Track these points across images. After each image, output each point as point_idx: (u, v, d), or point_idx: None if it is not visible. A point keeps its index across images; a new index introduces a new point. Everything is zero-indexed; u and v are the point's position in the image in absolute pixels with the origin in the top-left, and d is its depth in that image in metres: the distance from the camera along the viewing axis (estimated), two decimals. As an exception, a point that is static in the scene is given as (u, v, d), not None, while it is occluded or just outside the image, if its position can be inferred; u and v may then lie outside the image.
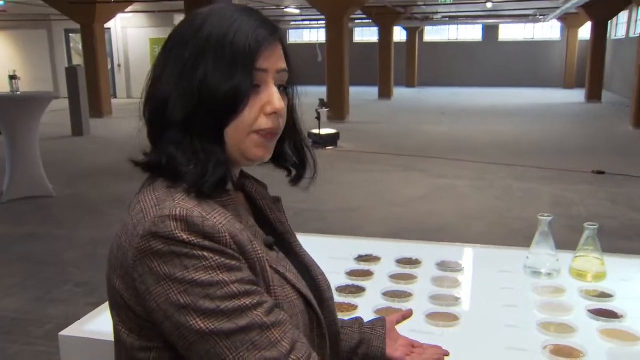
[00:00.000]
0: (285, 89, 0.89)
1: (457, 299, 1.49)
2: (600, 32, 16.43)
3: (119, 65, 18.95)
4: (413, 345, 1.15)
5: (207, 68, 0.82)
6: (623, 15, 18.05)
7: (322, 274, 1.01)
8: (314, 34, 24.64)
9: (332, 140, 8.96)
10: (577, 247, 1.63)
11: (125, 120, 12.90)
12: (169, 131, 0.83)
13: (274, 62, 0.85)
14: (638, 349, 1.23)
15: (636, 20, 15.68)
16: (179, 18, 11.64)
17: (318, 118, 8.74)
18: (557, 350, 1.22)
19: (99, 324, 1.39)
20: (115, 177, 6.93)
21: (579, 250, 1.62)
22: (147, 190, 0.84)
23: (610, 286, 1.54)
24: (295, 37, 25.54)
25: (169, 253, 0.76)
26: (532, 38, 23.52)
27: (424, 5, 16.34)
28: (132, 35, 18.86)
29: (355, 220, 5.20)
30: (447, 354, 1.13)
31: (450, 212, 5.43)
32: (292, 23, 22.73)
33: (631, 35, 16.84)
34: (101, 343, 1.30)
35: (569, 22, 20.52)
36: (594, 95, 16.28)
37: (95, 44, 13.20)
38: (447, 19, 21.50)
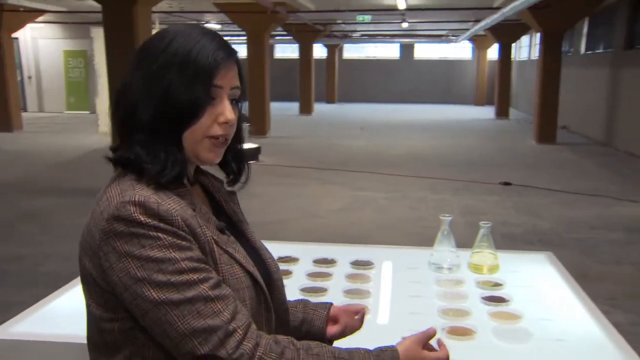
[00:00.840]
0: (236, 103, 1.03)
1: (368, 293, 1.63)
2: (506, 54, 17.57)
3: (30, 77, 18.13)
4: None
5: (172, 79, 0.95)
6: (526, 39, 19.36)
7: (272, 257, 1.15)
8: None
9: (253, 154, 9.02)
10: (474, 244, 1.82)
11: (37, 134, 12.37)
12: (137, 132, 0.96)
13: (229, 80, 0.99)
14: (518, 326, 1.43)
15: (536, 44, 16.87)
16: (96, 30, 11.29)
17: (240, 132, 8.79)
18: (453, 330, 1.39)
19: (26, 325, 1.42)
20: (25, 193, 6.67)
21: (476, 247, 1.82)
22: (114, 184, 0.97)
23: (502, 277, 1.74)
24: (216, 52, 25.41)
25: (128, 234, 0.90)
26: (446, 57, 24.70)
27: (343, 23, 16.82)
28: (43, 47, 18.12)
29: (278, 232, 5.30)
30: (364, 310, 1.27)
31: (368, 222, 5.65)
32: (213, 38, 22.61)
33: (533, 57, 18.08)
34: (28, 344, 1.34)
35: (479, 43, 21.76)
36: (502, 112, 17.32)
37: (2, 54, 12.60)
38: (366, 37, 22.20)
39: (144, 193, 0.93)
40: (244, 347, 0.90)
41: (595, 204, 6.35)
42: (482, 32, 17.04)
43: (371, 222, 5.63)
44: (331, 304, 1.28)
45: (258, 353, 0.90)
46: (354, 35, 21.36)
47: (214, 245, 0.97)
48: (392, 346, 1.02)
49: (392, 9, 12.52)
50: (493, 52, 20.99)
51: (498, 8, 11.13)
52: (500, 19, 11.56)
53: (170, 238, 0.90)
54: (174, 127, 0.96)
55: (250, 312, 0.98)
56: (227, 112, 0.99)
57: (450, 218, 1.80)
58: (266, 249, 1.16)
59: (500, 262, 1.81)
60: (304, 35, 17.55)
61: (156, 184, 0.95)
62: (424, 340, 1.05)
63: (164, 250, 0.89)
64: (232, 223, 1.11)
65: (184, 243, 0.91)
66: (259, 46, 12.29)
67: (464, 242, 1.99)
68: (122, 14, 6.70)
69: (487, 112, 18.86)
